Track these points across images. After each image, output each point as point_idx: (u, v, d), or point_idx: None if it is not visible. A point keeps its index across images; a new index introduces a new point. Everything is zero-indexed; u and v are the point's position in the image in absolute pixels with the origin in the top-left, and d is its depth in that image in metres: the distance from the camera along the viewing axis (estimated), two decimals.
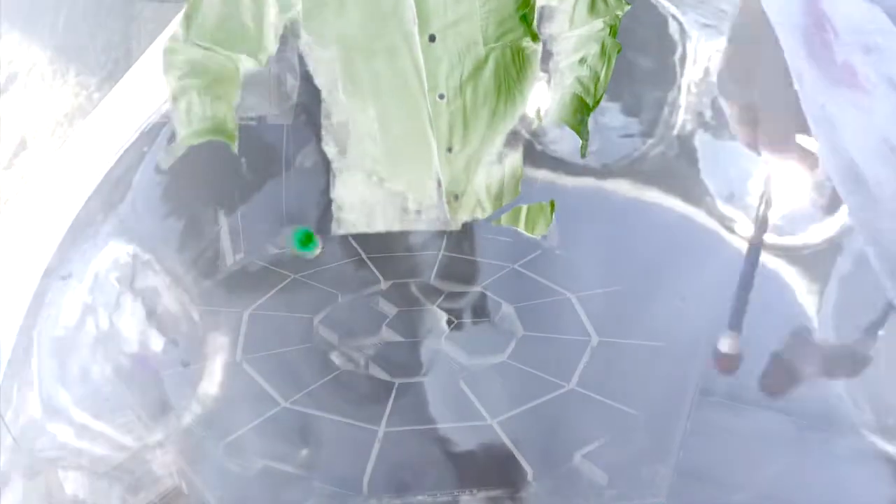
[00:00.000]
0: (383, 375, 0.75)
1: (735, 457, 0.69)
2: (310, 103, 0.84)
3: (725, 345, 0.74)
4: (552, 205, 0.93)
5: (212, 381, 0.74)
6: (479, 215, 0.91)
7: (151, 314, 0.76)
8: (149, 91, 0.87)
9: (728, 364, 0.75)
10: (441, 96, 0.84)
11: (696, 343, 0.76)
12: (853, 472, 0.70)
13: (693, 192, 1.00)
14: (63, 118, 1.23)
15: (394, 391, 0.73)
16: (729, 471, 0.69)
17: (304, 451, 0.72)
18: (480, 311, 0.82)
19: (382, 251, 0.85)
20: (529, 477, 0.68)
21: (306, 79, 0.82)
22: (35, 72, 1.22)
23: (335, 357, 0.76)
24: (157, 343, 0.75)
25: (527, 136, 0.94)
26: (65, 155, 0.87)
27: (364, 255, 0.85)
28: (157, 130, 0.80)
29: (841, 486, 0.69)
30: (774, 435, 0.73)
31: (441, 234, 0.87)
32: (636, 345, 0.76)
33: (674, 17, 1.14)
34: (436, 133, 0.85)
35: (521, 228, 0.92)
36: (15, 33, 1.23)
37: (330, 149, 0.86)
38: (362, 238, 0.85)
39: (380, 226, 0.87)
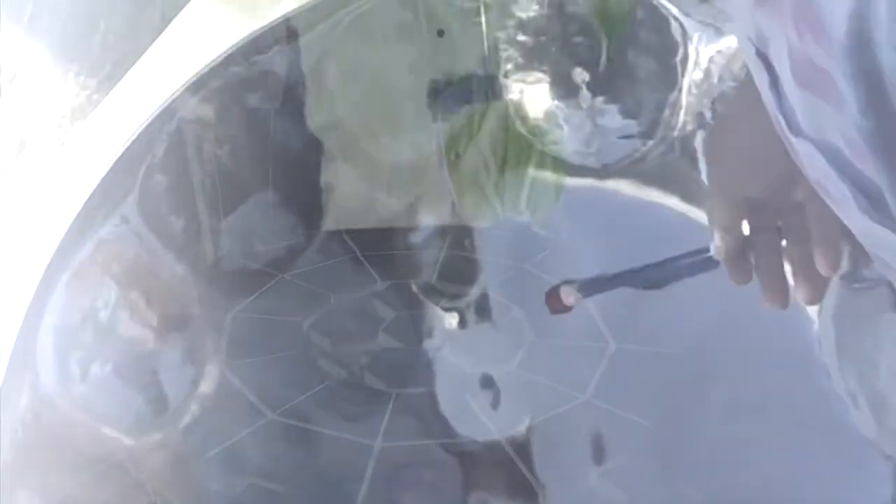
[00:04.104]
0: (380, 385, 0.68)
1: (767, 471, 0.61)
2: (298, 84, 0.76)
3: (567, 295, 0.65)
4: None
5: (190, 390, 0.66)
6: (484, 180, 0.83)
7: (150, 315, 0.69)
8: (149, 91, 0.80)
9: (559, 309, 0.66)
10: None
11: (720, 351, 0.67)
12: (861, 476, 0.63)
13: (693, 192, 0.91)
14: (63, 118, 1.15)
15: (391, 402, 0.66)
16: (761, 487, 0.60)
17: (293, 468, 0.64)
18: (486, 314, 0.74)
19: (379, 248, 0.77)
20: (541, 497, 0.60)
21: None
22: (35, 72, 1.14)
23: (327, 364, 0.69)
24: (156, 344, 0.68)
25: (527, 136, 0.87)
26: (65, 155, 0.81)
27: (359, 253, 0.77)
28: (157, 130, 0.73)
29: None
30: (803, 447, 0.64)
31: (443, 230, 0.80)
32: (657, 352, 0.67)
33: (675, 17, 1.09)
34: None
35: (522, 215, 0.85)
36: (15, 33, 1.15)
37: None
38: (357, 234, 0.78)
39: (378, 218, 0.79)
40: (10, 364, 0.59)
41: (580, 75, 0.92)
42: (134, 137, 0.77)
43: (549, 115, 0.89)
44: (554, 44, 0.90)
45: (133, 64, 0.92)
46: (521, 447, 0.62)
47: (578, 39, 0.91)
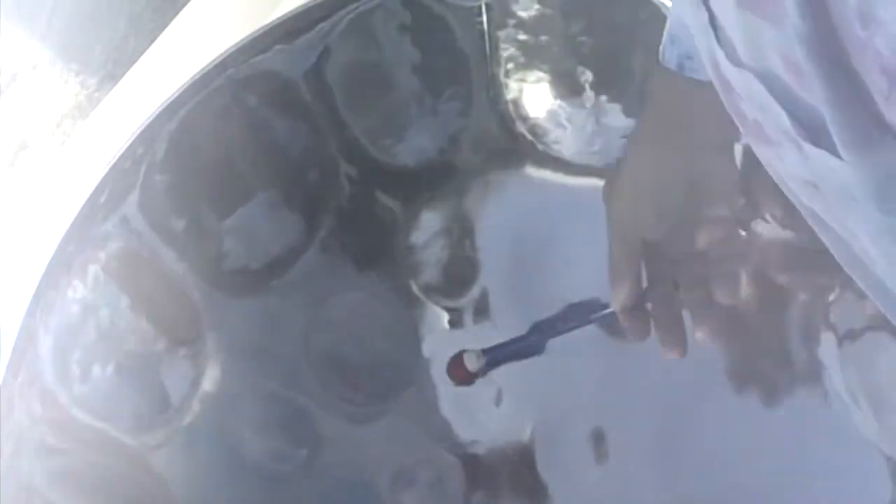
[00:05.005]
0: (379, 386, 0.67)
1: (766, 471, 0.60)
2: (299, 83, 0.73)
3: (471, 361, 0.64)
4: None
5: (192, 390, 0.65)
6: None
7: (151, 315, 0.67)
8: (149, 91, 0.80)
9: (463, 378, 0.65)
10: None
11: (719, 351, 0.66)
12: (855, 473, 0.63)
13: None
14: (63, 118, 1.16)
15: (390, 404, 0.65)
16: (761, 487, 0.59)
17: (294, 468, 0.63)
18: (486, 314, 0.73)
19: (377, 249, 0.75)
20: (542, 498, 0.60)
21: None
22: (35, 72, 1.14)
23: (326, 364, 0.68)
24: (157, 344, 0.67)
25: (528, 136, 0.86)
26: (65, 154, 0.81)
27: (357, 254, 0.75)
28: (158, 130, 0.70)
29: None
30: (803, 448, 0.63)
31: (442, 229, 0.77)
32: (658, 352, 0.65)
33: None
34: None
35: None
36: (15, 33, 1.15)
37: None
38: (357, 234, 0.75)
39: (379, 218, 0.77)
40: (9, 364, 0.58)
41: (583, 74, 0.90)
42: (135, 136, 0.77)
43: (552, 115, 0.89)
44: (556, 42, 0.89)
45: (134, 63, 0.91)
46: (522, 447, 0.62)
47: (582, 38, 0.90)
